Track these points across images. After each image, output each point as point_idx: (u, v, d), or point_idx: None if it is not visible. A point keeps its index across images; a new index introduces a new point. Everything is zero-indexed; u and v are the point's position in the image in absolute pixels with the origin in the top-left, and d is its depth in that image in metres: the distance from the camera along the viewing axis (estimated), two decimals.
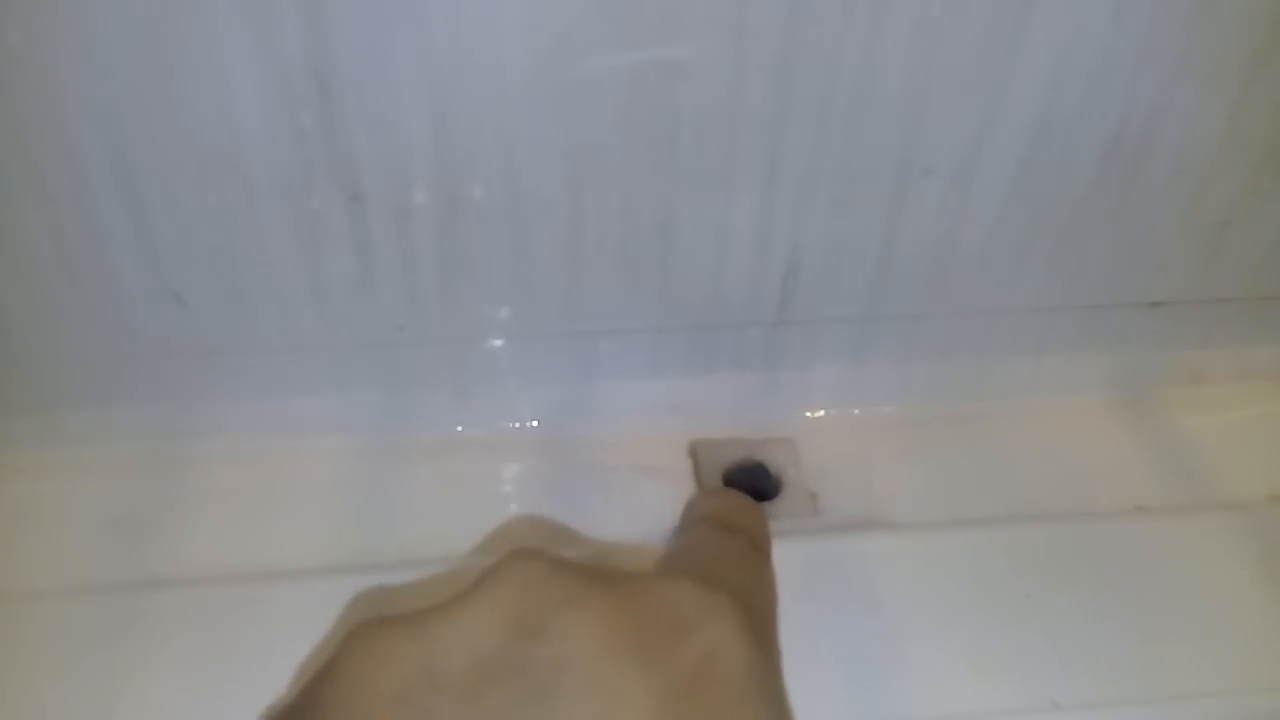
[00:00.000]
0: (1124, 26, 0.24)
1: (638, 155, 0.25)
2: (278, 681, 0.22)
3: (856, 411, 0.31)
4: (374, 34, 0.23)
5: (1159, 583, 0.26)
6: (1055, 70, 0.25)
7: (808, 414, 0.31)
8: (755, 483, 0.30)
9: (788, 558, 0.27)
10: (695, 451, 0.30)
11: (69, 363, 0.28)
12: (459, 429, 0.30)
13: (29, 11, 0.21)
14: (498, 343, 0.29)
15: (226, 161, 0.24)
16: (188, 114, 0.23)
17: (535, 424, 0.30)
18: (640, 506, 0.29)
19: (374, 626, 0.16)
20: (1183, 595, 0.26)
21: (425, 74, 0.23)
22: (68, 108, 0.23)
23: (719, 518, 0.23)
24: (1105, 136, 0.26)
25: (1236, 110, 0.26)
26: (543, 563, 0.17)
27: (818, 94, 0.25)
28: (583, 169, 0.25)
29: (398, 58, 0.23)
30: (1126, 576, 0.27)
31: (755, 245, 0.28)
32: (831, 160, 0.26)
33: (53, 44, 0.22)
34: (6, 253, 0.25)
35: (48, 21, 0.22)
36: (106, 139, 0.24)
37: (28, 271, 0.26)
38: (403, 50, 0.23)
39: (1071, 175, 0.27)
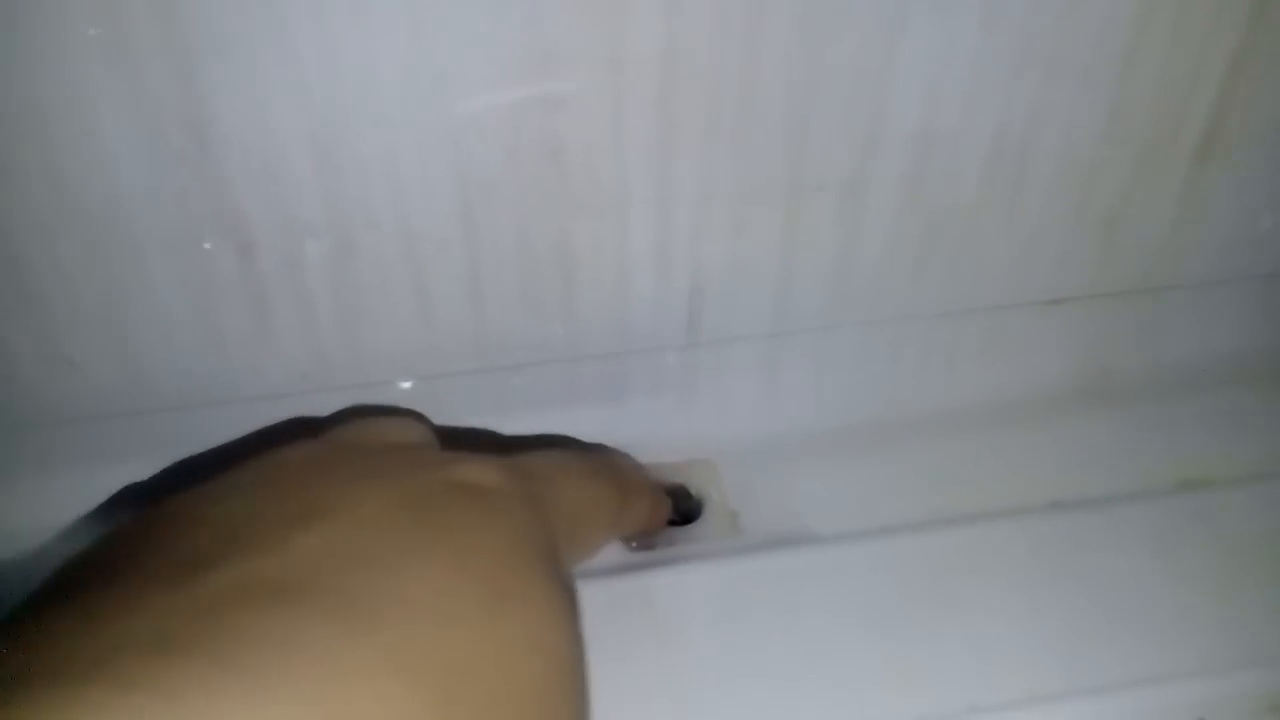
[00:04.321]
0: (993, 36, 0.25)
1: (528, 189, 0.25)
2: None
3: (774, 427, 0.31)
4: (248, 86, 0.22)
5: (1074, 577, 0.27)
6: (931, 83, 0.25)
7: (726, 433, 0.31)
8: (679, 505, 0.30)
9: (711, 580, 0.28)
10: None
11: None
12: None
13: None
14: (406, 385, 0.29)
15: (109, 220, 0.24)
16: (65, 176, 0.23)
17: None
18: None
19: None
20: (1096, 588, 0.27)
21: (305, 122, 0.23)
22: None
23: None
24: (987, 143, 0.27)
25: (1112, 109, 0.27)
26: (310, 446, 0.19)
27: (701, 120, 0.25)
28: (475, 206, 0.25)
29: (275, 108, 0.23)
30: (1042, 573, 0.27)
31: (656, 270, 0.28)
32: (723, 182, 0.26)
33: None
34: None
35: None
36: None
37: None
38: (279, 100, 0.23)
39: (959, 183, 0.27)
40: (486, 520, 0.17)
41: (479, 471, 0.18)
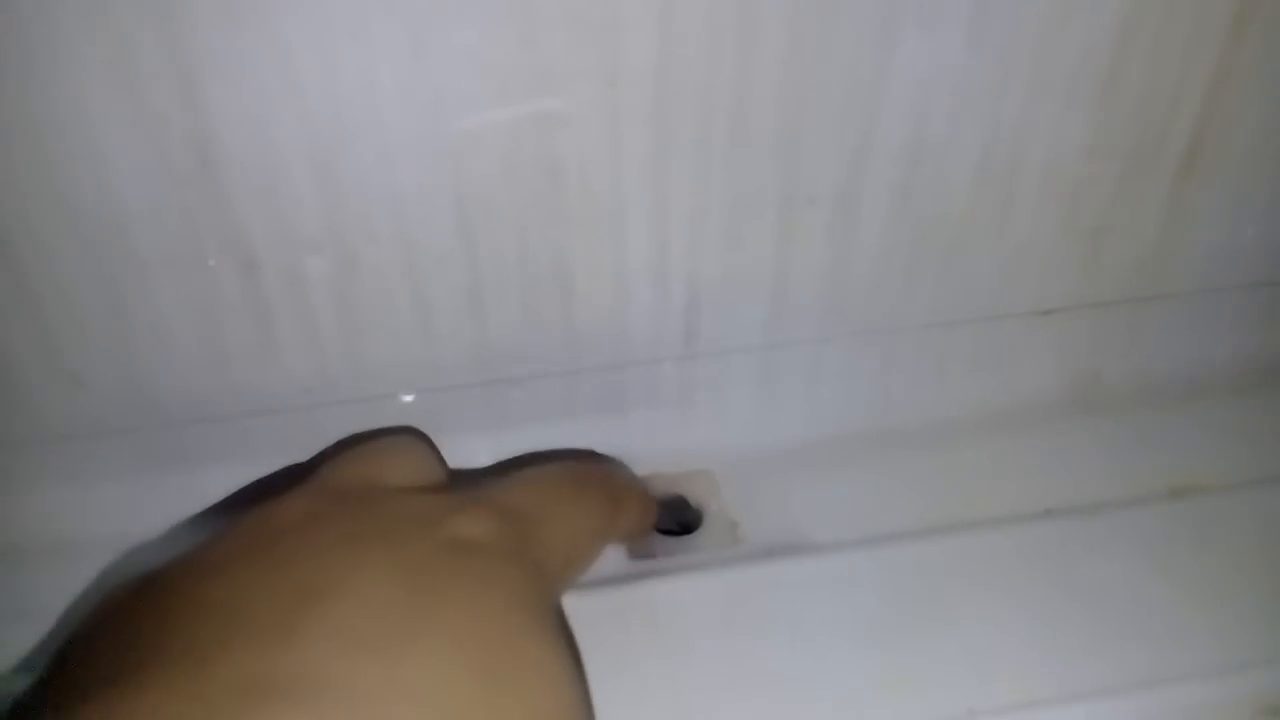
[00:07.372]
0: (979, 53, 0.26)
1: (526, 204, 0.26)
2: None
3: (771, 437, 0.32)
4: (250, 105, 0.23)
5: (1067, 583, 0.27)
6: (920, 98, 0.26)
7: (724, 444, 0.32)
8: (678, 516, 0.31)
9: (711, 589, 0.28)
10: None
11: None
12: None
13: None
14: (408, 398, 0.29)
15: (112, 238, 0.24)
16: (69, 194, 0.23)
17: None
18: None
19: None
20: (1090, 594, 0.27)
21: (306, 140, 0.24)
22: None
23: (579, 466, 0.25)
24: (975, 157, 0.27)
25: (1096, 125, 0.28)
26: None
27: (694, 135, 0.25)
28: (474, 221, 0.26)
29: (277, 127, 0.23)
30: (1036, 580, 0.27)
31: (653, 283, 0.28)
32: (716, 196, 0.27)
33: None
34: None
35: None
36: None
37: None
38: (281, 119, 0.23)
39: (948, 195, 0.28)
40: (481, 588, 0.18)
41: (473, 524, 0.19)
